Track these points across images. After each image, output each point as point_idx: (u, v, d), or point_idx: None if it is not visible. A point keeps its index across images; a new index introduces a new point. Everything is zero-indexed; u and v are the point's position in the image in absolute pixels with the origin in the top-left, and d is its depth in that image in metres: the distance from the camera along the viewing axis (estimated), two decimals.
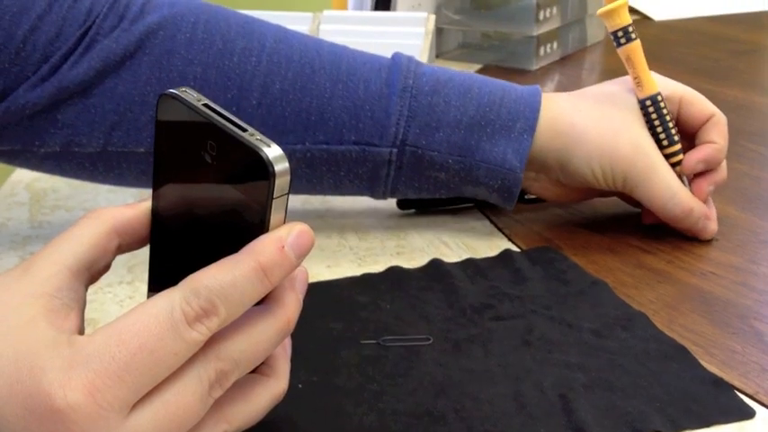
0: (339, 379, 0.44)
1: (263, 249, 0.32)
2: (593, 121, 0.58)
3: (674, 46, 1.18)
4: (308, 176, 0.57)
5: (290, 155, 0.56)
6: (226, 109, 0.34)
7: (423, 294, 0.52)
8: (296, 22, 0.90)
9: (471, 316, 0.49)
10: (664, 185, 0.57)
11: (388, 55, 0.88)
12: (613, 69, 1.09)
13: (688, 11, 1.35)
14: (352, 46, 0.86)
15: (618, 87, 0.61)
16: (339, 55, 0.57)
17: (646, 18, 1.32)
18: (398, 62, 0.58)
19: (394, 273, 0.55)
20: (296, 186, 0.58)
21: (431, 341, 0.47)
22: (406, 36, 0.88)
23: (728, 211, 0.64)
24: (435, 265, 0.55)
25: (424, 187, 0.59)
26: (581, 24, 1.14)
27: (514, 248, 0.58)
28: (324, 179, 0.58)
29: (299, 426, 0.40)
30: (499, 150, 0.57)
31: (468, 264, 0.56)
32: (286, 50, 0.56)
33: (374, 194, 0.59)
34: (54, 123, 0.54)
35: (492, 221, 0.63)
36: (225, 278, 0.31)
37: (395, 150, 0.56)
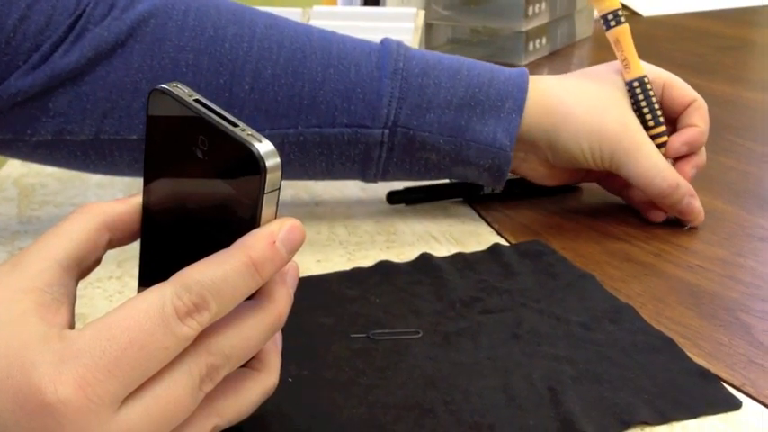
0: (329, 373, 0.44)
1: (254, 244, 0.32)
2: (580, 100, 0.59)
3: (662, 41, 1.18)
4: (301, 161, 0.58)
5: (282, 139, 0.56)
6: (217, 101, 0.34)
7: (412, 288, 0.52)
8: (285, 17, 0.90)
9: (460, 309, 0.50)
10: (650, 162, 0.58)
11: None
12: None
13: (675, 6, 1.35)
14: None
15: (605, 68, 0.62)
16: (329, 40, 0.58)
17: (634, 14, 1.32)
18: (388, 46, 0.58)
19: (383, 267, 0.55)
20: (288, 172, 0.58)
21: (420, 335, 0.47)
22: (396, 32, 0.88)
23: (715, 205, 0.64)
24: (425, 259, 0.56)
25: (414, 169, 0.59)
26: (570, 20, 1.14)
27: (503, 242, 0.59)
28: (316, 163, 0.58)
29: (290, 419, 0.40)
30: (489, 130, 0.58)
31: (458, 258, 0.56)
32: (277, 36, 0.56)
33: (365, 177, 0.60)
34: (46, 112, 0.54)
35: (481, 216, 0.63)
36: (216, 273, 0.32)
37: (386, 132, 0.57)
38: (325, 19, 0.90)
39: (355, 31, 0.88)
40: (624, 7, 1.31)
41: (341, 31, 0.87)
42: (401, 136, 0.57)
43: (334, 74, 0.56)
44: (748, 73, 1.10)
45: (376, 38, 0.86)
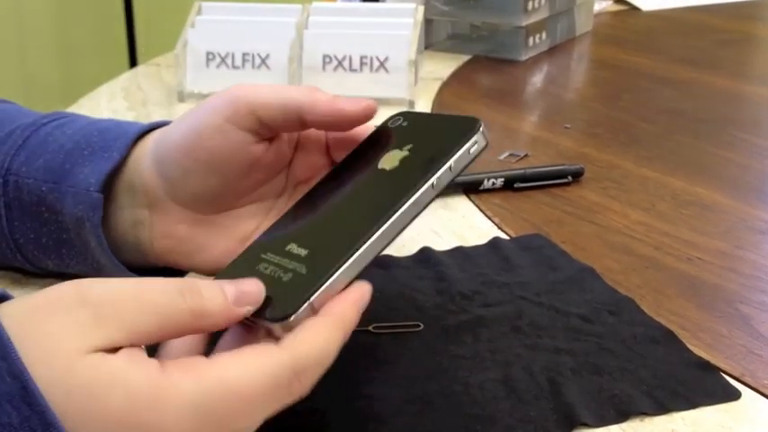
0: (330, 366, 0.44)
1: (351, 319, 0.37)
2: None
3: (662, 35, 1.18)
4: None
5: None
6: None
7: (413, 282, 0.52)
8: (285, 14, 0.90)
9: (461, 303, 0.50)
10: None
11: (377, 45, 0.87)
12: (601, 59, 1.10)
13: (674, 1, 1.35)
14: (341, 37, 0.87)
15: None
16: None
17: (634, 8, 1.32)
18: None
19: (384, 261, 0.55)
20: None
21: (421, 328, 0.47)
22: (395, 27, 0.88)
23: (716, 198, 0.65)
24: (425, 253, 0.56)
25: (36, 227, 0.49)
26: (569, 14, 1.14)
27: (503, 236, 0.59)
28: None
29: (289, 413, 0.40)
30: (87, 171, 0.47)
31: (458, 252, 0.56)
32: None
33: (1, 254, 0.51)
34: None
35: (481, 210, 0.64)
36: (325, 352, 0.36)
37: (0, 181, 0.49)
38: (325, 15, 0.90)
39: (354, 27, 0.88)
40: (625, 2, 1.31)
41: (340, 27, 0.88)
42: (12, 185, 0.49)
43: None
44: (749, 67, 1.10)
45: (375, 33, 0.87)
